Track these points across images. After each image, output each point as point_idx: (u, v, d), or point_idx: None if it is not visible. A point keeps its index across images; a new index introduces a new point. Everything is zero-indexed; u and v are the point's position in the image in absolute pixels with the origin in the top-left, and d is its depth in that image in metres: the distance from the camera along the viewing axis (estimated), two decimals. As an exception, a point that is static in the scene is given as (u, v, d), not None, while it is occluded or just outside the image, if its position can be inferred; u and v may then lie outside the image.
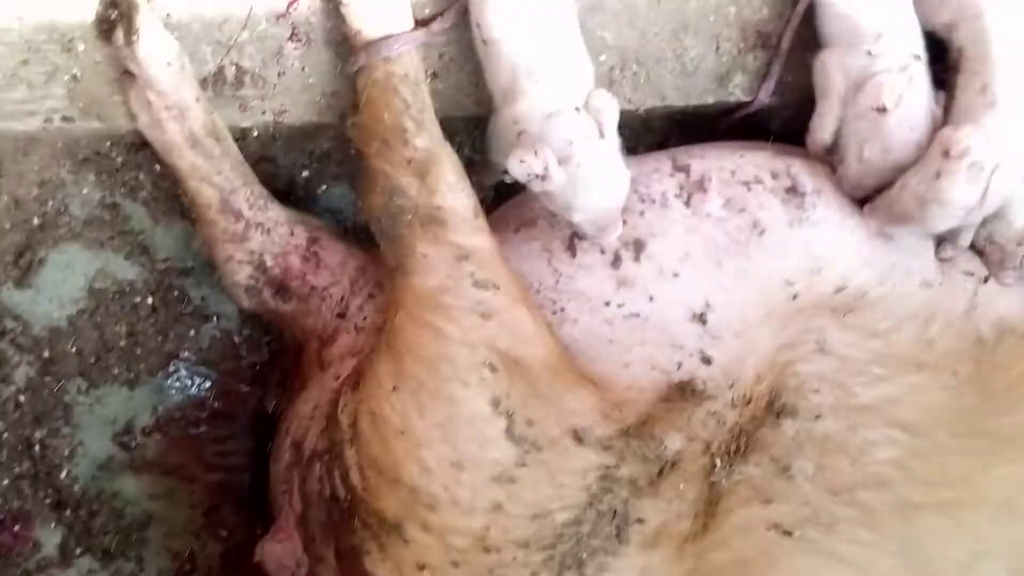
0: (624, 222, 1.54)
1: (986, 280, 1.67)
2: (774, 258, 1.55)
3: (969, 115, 1.52)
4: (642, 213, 1.56)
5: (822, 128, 1.64)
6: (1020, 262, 1.66)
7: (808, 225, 1.57)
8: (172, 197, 1.68)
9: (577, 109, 1.46)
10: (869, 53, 1.58)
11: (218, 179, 1.55)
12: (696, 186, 1.58)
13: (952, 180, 1.47)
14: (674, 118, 1.82)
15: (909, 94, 1.53)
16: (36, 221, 1.68)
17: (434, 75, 1.61)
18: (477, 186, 1.73)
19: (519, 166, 1.43)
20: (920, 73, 1.56)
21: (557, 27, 1.51)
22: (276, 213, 1.62)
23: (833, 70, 1.62)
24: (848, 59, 1.61)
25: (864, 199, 1.61)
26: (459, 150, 1.74)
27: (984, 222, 1.59)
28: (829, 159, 1.63)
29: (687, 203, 1.57)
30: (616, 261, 1.53)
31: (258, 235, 1.59)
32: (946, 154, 1.47)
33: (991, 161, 1.46)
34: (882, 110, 1.53)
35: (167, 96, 1.47)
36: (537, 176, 1.43)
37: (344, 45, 1.55)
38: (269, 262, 1.61)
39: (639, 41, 1.68)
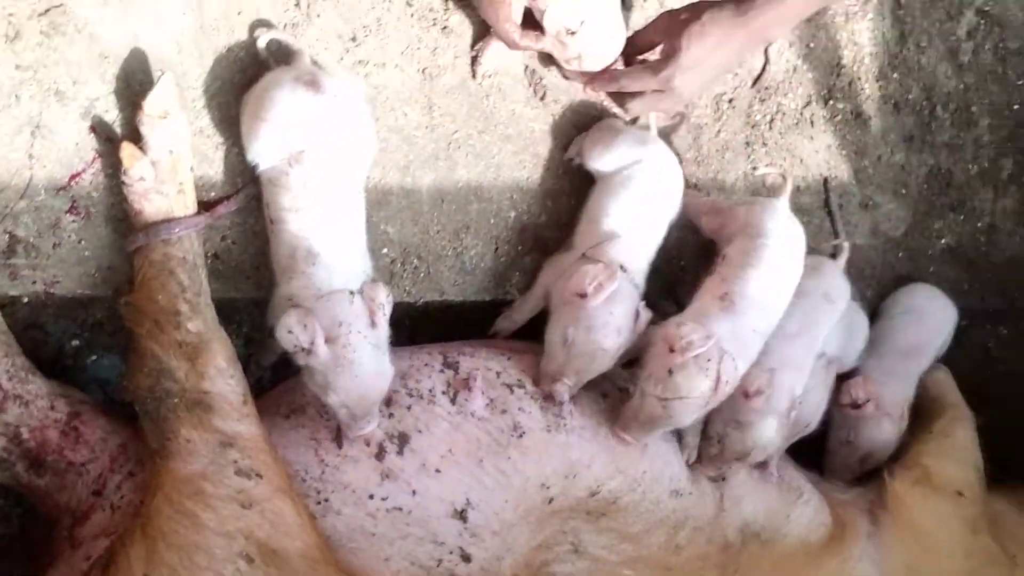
0: (391, 415, 1.57)
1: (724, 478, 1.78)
2: (532, 461, 1.60)
3: (702, 312, 1.69)
4: (409, 407, 1.59)
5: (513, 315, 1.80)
6: (724, 467, 1.78)
7: (565, 431, 1.64)
8: (-71, 360, 1.61)
9: (352, 293, 1.50)
10: (572, 246, 1.75)
11: (-23, 349, 1.50)
12: (462, 384, 1.63)
13: (685, 373, 1.58)
14: (454, 310, 1.87)
15: (608, 285, 1.64)
16: None
17: (215, 256, 1.63)
18: (255, 364, 1.75)
19: (287, 336, 1.45)
20: (621, 276, 1.67)
21: (342, 216, 1.55)
22: (37, 386, 1.56)
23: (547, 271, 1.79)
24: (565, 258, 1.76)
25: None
26: (238, 330, 1.76)
27: (721, 422, 1.73)
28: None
29: (453, 400, 1.62)
30: (381, 453, 1.55)
31: (16, 407, 1.53)
32: (672, 350, 1.58)
33: (716, 351, 1.59)
34: (583, 295, 1.64)
35: (-70, 263, 1.44)
36: (302, 349, 1.45)
37: (124, 222, 1.54)
38: (25, 435, 1.54)
39: (421, 237, 1.75)
